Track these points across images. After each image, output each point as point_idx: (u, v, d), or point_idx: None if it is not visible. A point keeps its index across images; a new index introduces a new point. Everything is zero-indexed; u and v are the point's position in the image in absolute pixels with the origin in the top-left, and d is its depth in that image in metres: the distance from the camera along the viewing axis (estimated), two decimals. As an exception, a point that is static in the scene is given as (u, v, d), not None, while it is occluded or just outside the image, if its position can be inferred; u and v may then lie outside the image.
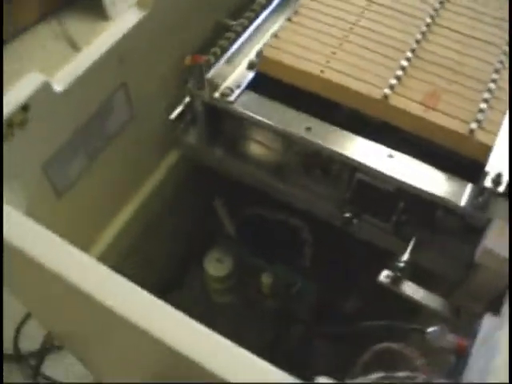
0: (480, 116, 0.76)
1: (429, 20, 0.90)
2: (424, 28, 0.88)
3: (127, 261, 0.95)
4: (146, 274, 0.90)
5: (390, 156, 0.79)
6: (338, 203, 0.86)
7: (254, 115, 0.83)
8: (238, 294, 1.01)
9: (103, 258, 0.95)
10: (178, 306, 0.48)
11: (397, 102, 0.78)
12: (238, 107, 0.84)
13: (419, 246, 0.79)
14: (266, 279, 0.96)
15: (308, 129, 0.82)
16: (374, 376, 0.59)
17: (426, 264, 0.80)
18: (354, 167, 0.80)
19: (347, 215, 0.83)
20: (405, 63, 0.83)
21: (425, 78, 0.82)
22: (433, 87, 0.80)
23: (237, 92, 0.85)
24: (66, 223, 0.82)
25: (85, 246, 0.94)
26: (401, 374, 0.58)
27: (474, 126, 0.75)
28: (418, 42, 0.86)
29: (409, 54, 0.84)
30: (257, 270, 0.97)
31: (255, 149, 0.92)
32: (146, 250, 1.00)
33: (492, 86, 0.81)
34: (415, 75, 0.83)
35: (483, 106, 0.77)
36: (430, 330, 0.65)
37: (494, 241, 0.66)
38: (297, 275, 0.96)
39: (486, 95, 0.79)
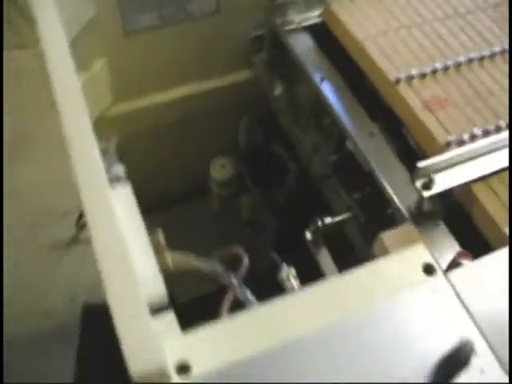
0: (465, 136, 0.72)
1: (498, 49, 0.85)
2: (486, 53, 0.84)
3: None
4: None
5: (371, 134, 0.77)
6: (325, 160, 0.86)
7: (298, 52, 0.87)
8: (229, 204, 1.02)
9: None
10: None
11: (404, 91, 0.75)
12: (292, 41, 0.89)
13: (351, 221, 0.78)
14: (246, 201, 0.96)
15: (322, 79, 0.84)
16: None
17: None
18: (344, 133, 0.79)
19: (325, 173, 0.83)
20: (439, 67, 0.81)
21: (448, 87, 0.80)
22: (447, 97, 0.73)
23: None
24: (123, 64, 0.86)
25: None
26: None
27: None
28: (469, 60, 0.83)
29: (449, 63, 0.82)
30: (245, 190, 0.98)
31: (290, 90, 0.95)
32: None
33: (502, 124, 0.73)
34: (440, 81, 0.81)
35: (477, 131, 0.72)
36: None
37: (390, 236, 0.64)
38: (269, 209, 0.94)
39: (490, 127, 0.74)
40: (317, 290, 0.59)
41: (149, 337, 0.42)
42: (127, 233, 0.53)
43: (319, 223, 0.74)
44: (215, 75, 1.10)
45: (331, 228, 0.76)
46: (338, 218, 0.77)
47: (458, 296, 0.58)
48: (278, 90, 1.02)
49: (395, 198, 0.70)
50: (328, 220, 0.75)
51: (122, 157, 0.99)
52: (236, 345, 0.54)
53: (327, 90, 0.84)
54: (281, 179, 0.98)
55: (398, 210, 0.69)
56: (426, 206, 0.69)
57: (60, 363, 1.26)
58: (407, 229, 0.67)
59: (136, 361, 0.41)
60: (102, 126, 0.95)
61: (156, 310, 0.55)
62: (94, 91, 0.98)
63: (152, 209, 0.69)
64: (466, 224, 0.69)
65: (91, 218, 0.49)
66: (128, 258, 0.47)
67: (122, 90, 1.04)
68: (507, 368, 0.54)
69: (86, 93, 0.82)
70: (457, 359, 0.51)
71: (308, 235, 0.77)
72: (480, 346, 0.55)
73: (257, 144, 1.04)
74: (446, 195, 0.69)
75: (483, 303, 0.58)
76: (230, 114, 1.10)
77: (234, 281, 0.60)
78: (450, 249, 0.65)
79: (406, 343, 0.55)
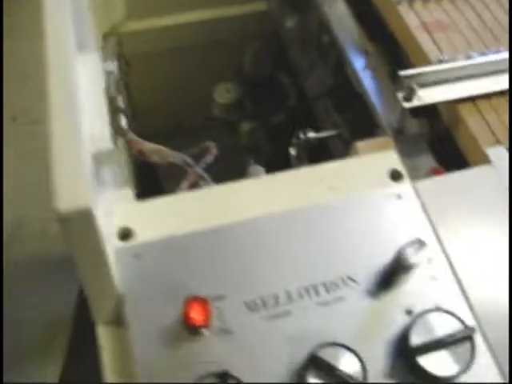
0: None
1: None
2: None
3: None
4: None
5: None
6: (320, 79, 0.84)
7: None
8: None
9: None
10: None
11: (404, 11, 0.73)
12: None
13: (337, 140, 0.78)
14: (246, 126, 0.94)
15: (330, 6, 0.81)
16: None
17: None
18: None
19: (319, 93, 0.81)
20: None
21: (452, 13, 0.76)
22: (449, 23, 0.70)
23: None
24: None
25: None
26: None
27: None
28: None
29: None
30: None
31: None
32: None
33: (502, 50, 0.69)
34: (445, 7, 0.77)
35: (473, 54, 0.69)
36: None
37: (365, 144, 0.62)
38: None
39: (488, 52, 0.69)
40: (276, 178, 0.57)
41: (81, 177, 0.40)
42: (85, 95, 0.51)
43: (301, 136, 0.72)
44: (231, 3, 1.08)
45: (315, 143, 0.73)
46: (322, 134, 0.74)
47: (423, 205, 0.56)
48: (290, 23, 1.00)
49: (380, 114, 0.67)
50: (311, 134, 0.73)
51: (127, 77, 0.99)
52: (183, 219, 0.52)
53: (331, 15, 0.81)
54: (280, 106, 0.96)
55: (381, 124, 0.66)
56: (412, 128, 0.66)
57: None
58: (384, 140, 0.64)
59: (63, 196, 0.39)
60: (111, 41, 0.95)
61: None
62: (106, 2, 0.98)
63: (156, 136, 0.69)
64: (453, 155, 0.65)
65: (52, 78, 0.47)
66: (78, 112, 0.45)
67: (135, 6, 1.03)
68: (459, 276, 0.53)
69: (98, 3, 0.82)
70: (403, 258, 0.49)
71: (292, 151, 0.74)
72: (435, 252, 0.54)
73: (261, 71, 1.02)
74: (434, 118, 0.65)
75: (446, 215, 0.56)
76: (240, 43, 1.08)
77: (199, 168, 0.58)
78: (426, 164, 0.62)
79: (359, 241, 0.53)
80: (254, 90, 1.03)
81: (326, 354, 0.47)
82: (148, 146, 0.62)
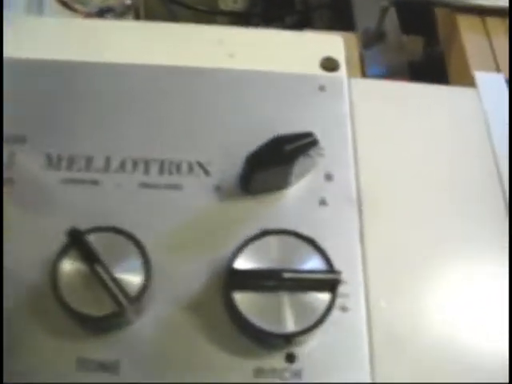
0: None
1: None
2: None
3: None
4: None
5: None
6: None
7: None
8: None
9: None
10: None
11: None
12: None
13: None
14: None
15: None
16: None
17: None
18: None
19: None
20: None
21: None
22: None
23: None
24: None
25: None
26: None
27: None
28: None
29: None
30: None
31: None
32: None
33: None
34: None
35: None
36: None
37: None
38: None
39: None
40: (174, 28, 0.40)
41: None
42: None
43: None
44: None
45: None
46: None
47: (350, 106, 0.36)
48: None
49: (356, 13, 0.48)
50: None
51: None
52: (52, 44, 0.37)
53: None
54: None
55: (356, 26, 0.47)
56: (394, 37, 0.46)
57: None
58: (347, 35, 0.44)
59: None
60: None
61: None
62: None
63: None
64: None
65: None
66: None
67: None
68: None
69: None
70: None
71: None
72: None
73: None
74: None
75: (375, 126, 0.38)
76: None
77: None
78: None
79: (240, 125, 0.36)
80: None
81: (101, 239, 0.28)
82: None
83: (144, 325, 0.30)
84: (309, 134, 0.32)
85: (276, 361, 0.30)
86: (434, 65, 0.47)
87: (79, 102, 0.36)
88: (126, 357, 0.29)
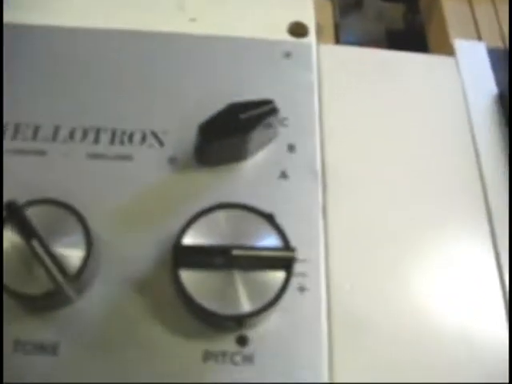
0: None
1: None
2: None
3: None
4: None
5: None
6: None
7: None
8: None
9: None
10: None
11: None
12: None
13: None
14: None
15: None
16: None
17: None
18: None
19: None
20: None
21: None
22: None
23: None
24: None
25: None
26: None
27: None
28: None
29: None
30: None
31: None
32: None
33: None
34: None
35: None
36: None
37: None
38: None
39: None
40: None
41: None
42: None
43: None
44: None
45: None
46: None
47: (318, 75, 0.34)
48: None
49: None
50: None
51: None
52: None
53: None
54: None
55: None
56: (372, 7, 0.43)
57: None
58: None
59: None
60: None
61: None
62: None
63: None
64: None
65: None
66: None
67: None
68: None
69: None
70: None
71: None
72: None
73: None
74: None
75: (343, 96, 0.36)
76: None
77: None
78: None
79: (200, 93, 0.35)
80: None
81: (41, 213, 0.26)
82: None
83: (86, 304, 0.28)
84: (268, 102, 0.30)
85: (226, 343, 0.27)
86: (413, 34, 0.44)
87: (28, 67, 0.34)
88: (66, 338, 0.27)
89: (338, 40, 0.41)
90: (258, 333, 0.28)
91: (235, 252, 0.26)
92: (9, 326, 0.27)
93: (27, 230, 0.26)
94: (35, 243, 0.26)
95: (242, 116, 0.29)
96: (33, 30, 0.35)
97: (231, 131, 0.29)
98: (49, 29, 0.35)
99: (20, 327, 0.27)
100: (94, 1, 0.37)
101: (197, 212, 0.28)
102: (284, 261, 0.27)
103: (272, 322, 0.28)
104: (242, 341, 0.28)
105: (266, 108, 0.30)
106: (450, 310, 0.30)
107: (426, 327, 0.29)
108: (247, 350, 0.27)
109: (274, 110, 0.30)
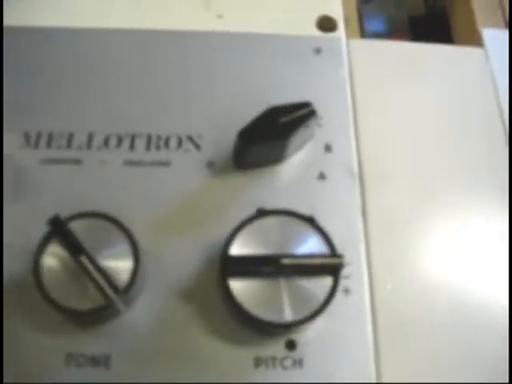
0: None
1: None
2: None
3: None
4: None
5: None
6: None
7: None
8: None
9: None
10: None
11: None
12: None
13: None
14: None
15: None
16: None
17: None
18: None
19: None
20: None
21: None
22: None
23: None
24: None
25: None
26: None
27: None
28: None
29: None
30: None
31: None
32: None
33: None
34: None
35: None
36: None
37: None
38: None
39: None
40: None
41: None
42: None
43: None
44: None
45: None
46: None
47: (349, 69, 0.33)
48: None
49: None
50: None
51: None
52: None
53: None
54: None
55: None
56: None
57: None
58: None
59: None
60: None
61: None
62: None
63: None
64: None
65: None
66: None
67: None
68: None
69: None
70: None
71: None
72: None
73: None
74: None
75: (376, 90, 0.35)
76: None
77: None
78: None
79: (234, 93, 0.32)
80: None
81: (85, 226, 0.25)
82: None
83: (135, 315, 0.27)
84: (306, 104, 0.29)
85: (276, 349, 0.27)
86: (436, 20, 0.42)
87: (58, 74, 0.33)
88: (117, 350, 0.27)
89: (362, 30, 0.40)
90: (306, 336, 0.27)
91: (284, 261, 0.26)
92: (60, 340, 0.27)
93: (74, 246, 0.26)
94: (84, 259, 0.25)
95: (282, 120, 0.28)
96: (56, 32, 0.34)
97: (271, 136, 0.28)
98: (73, 31, 0.34)
99: (71, 341, 0.27)
100: (118, 2, 0.35)
101: (241, 221, 0.27)
102: (331, 267, 0.26)
103: (319, 325, 0.27)
104: (291, 345, 0.27)
105: (304, 111, 0.29)
106: (493, 302, 0.29)
107: (469, 322, 0.29)
108: (296, 354, 0.27)
109: (312, 113, 0.29)
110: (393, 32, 0.41)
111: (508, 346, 0.29)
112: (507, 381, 0.28)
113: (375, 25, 0.42)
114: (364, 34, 0.40)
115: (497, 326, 0.29)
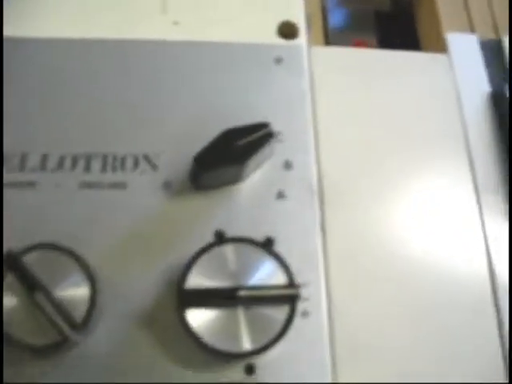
0: None
1: None
2: None
3: None
4: None
5: None
6: None
7: None
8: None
9: None
10: None
11: None
12: None
13: None
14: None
15: None
16: None
17: None
18: None
19: None
20: None
21: None
22: None
23: None
24: None
25: None
26: None
27: None
28: None
29: None
30: None
31: None
32: None
33: None
34: None
35: None
36: None
37: None
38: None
39: None
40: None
41: None
42: None
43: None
44: None
45: None
46: None
47: (310, 78, 0.31)
48: None
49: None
50: None
51: None
52: None
53: None
54: None
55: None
56: None
57: None
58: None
59: None
60: None
61: None
62: None
63: None
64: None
65: None
66: None
67: None
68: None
69: None
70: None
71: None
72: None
73: None
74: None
75: (337, 99, 0.33)
76: None
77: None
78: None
79: (191, 108, 0.31)
80: None
81: (39, 258, 0.25)
82: None
83: (94, 343, 0.27)
84: (263, 125, 0.28)
85: (235, 374, 0.27)
86: (401, 15, 0.41)
87: (7, 86, 0.31)
88: (77, 378, 0.27)
89: (326, 26, 0.39)
90: (264, 360, 0.28)
91: (241, 293, 0.26)
92: (16, 371, 0.26)
93: (29, 282, 0.25)
94: (39, 296, 0.25)
95: (238, 143, 0.28)
96: (14, 42, 0.32)
97: (227, 160, 0.28)
98: (27, 41, 0.32)
99: (30, 372, 0.26)
100: (73, 10, 0.33)
101: (195, 252, 0.27)
102: (288, 297, 0.26)
103: (277, 348, 0.28)
104: (250, 370, 0.28)
105: (261, 133, 0.28)
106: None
107: (434, 347, 0.29)
108: (255, 379, 0.27)
109: (270, 135, 0.28)
110: (358, 28, 0.40)
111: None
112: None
113: (340, 20, 0.41)
114: (327, 32, 0.39)
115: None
